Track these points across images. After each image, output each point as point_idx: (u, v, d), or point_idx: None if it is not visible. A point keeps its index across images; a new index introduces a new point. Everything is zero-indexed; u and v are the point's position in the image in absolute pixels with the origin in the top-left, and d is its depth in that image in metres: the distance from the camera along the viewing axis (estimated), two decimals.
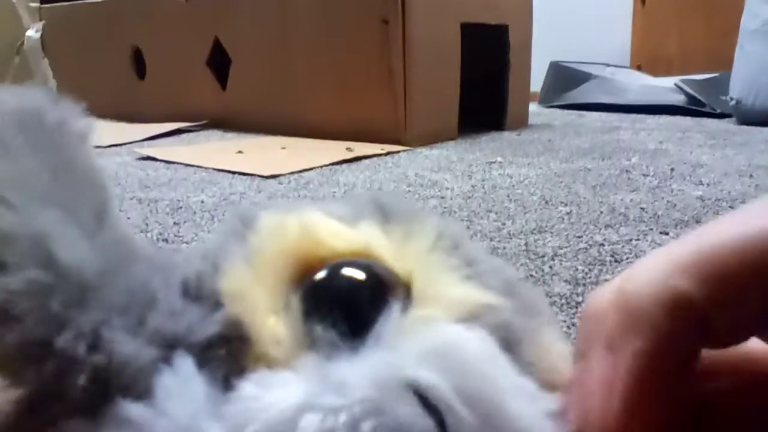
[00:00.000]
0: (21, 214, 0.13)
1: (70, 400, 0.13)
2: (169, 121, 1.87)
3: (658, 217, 0.82)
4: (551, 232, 0.76)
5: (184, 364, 0.13)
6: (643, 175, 1.09)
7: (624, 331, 0.13)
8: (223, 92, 1.92)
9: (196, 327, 0.14)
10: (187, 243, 0.73)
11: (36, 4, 2.42)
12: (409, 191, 1.01)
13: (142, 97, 2.12)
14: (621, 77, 2.46)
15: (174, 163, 1.28)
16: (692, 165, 1.17)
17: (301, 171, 1.17)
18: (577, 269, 0.62)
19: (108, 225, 0.15)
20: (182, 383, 0.13)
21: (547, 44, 2.45)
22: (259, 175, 1.13)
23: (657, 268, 0.13)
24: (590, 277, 0.60)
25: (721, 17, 2.82)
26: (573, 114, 2.24)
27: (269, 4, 1.73)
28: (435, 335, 0.14)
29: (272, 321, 0.14)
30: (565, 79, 2.53)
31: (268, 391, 0.13)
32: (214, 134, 1.79)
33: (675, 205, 0.88)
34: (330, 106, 1.65)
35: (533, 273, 0.62)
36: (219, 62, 1.90)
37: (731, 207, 0.86)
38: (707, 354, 0.14)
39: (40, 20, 2.42)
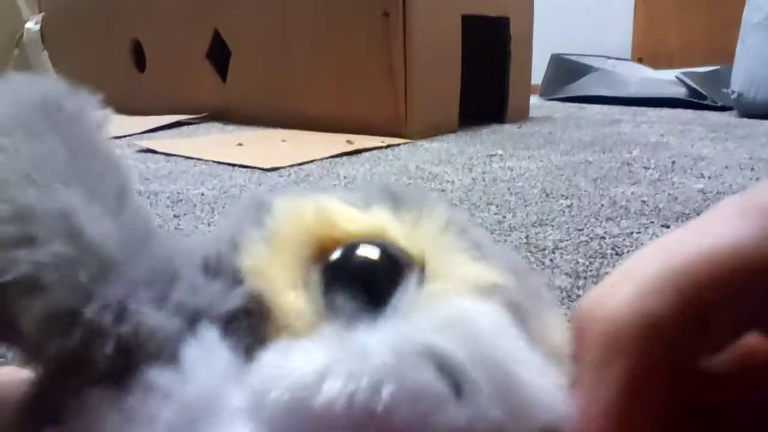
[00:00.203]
0: (46, 191, 0.13)
1: (96, 370, 0.13)
2: (169, 113, 1.87)
3: (660, 210, 0.81)
4: (552, 225, 0.75)
5: (208, 333, 0.14)
6: (644, 167, 1.09)
7: (604, 358, 0.13)
8: (223, 85, 1.91)
9: (219, 300, 0.15)
10: (187, 235, 0.73)
11: None
12: (410, 184, 1.01)
13: (142, 90, 2.11)
14: (622, 70, 2.45)
15: (174, 155, 1.28)
16: (693, 158, 1.17)
17: (301, 163, 1.17)
18: (578, 262, 0.62)
19: (129, 205, 0.15)
20: (207, 351, 0.14)
21: (548, 37, 2.44)
22: (260, 168, 1.13)
23: (627, 291, 0.13)
24: (591, 270, 0.60)
25: (723, 10, 2.81)
26: (574, 107, 2.24)
27: None
28: (450, 307, 0.14)
29: (292, 296, 0.15)
30: (566, 72, 2.53)
31: (290, 359, 0.13)
32: (214, 127, 1.79)
33: (676, 198, 0.87)
34: (330, 99, 1.64)
35: (534, 266, 0.62)
36: (219, 55, 1.90)
37: None
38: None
39: (40, 12, 2.42)
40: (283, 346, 0.14)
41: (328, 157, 1.23)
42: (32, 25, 2.43)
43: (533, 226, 0.75)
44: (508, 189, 0.95)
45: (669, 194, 0.89)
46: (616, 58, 2.63)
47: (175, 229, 0.76)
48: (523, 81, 1.87)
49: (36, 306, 0.13)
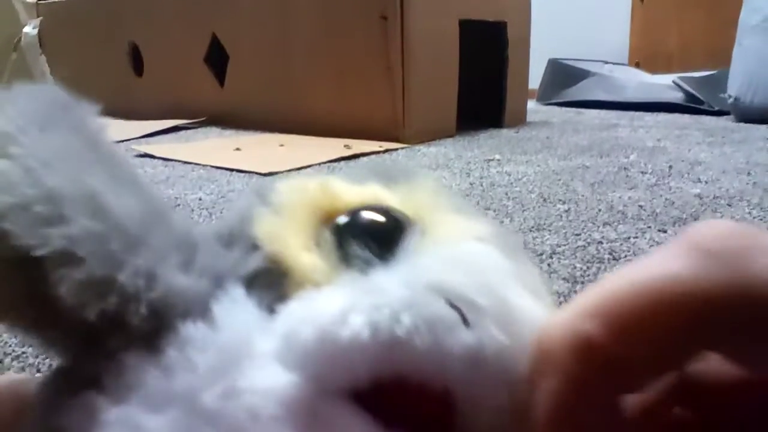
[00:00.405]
0: (69, 176, 0.14)
1: (131, 333, 0.14)
2: (166, 118, 1.87)
3: (657, 214, 0.82)
4: (549, 230, 0.75)
5: (234, 290, 0.15)
6: (642, 172, 1.09)
7: (540, 373, 0.14)
8: (221, 89, 1.91)
9: (240, 263, 0.16)
10: None
11: (33, 0, 2.42)
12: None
13: (139, 94, 2.11)
14: (619, 74, 2.46)
15: (172, 160, 1.28)
16: (690, 162, 1.17)
17: (299, 168, 1.17)
18: (575, 267, 0.62)
19: (144, 187, 0.17)
20: (235, 305, 0.15)
21: (546, 41, 2.45)
22: (257, 173, 1.13)
23: (568, 314, 0.14)
24: (588, 275, 0.60)
25: (721, 12, 2.81)
26: (571, 111, 2.24)
27: (268, 1, 1.72)
28: (451, 249, 0.16)
29: (307, 255, 0.16)
30: (563, 77, 2.53)
31: (314, 303, 0.14)
32: (212, 131, 1.79)
33: (673, 202, 0.88)
34: (328, 103, 1.65)
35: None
36: (217, 59, 1.90)
37: (729, 204, 0.86)
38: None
39: (38, 16, 2.42)
40: (305, 296, 0.15)
41: (325, 162, 1.23)
42: (30, 29, 2.43)
43: (531, 230, 0.75)
44: (506, 194, 0.95)
45: (666, 199, 0.90)
46: (614, 63, 2.64)
47: None
48: (521, 86, 1.87)
49: (74, 275, 0.13)
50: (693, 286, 0.12)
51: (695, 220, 0.80)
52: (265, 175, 1.12)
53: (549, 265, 0.63)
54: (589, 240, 0.71)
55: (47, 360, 0.45)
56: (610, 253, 0.66)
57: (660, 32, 3.15)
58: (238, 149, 1.41)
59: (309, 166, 1.19)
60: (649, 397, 0.17)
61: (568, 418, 0.13)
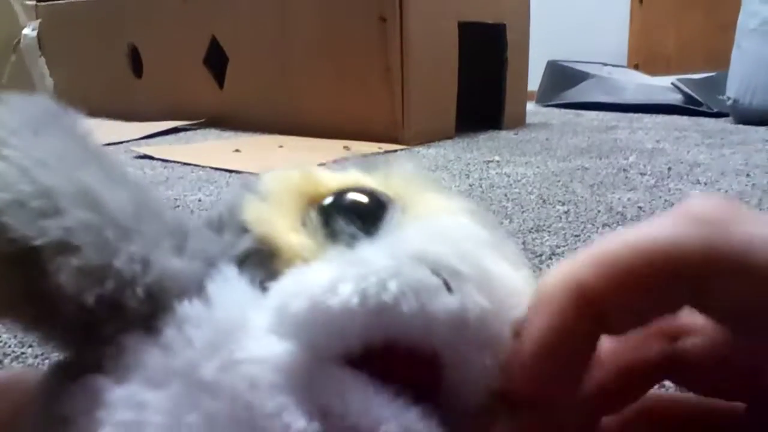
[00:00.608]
0: (63, 173, 0.15)
1: (128, 316, 0.15)
2: (166, 119, 1.87)
3: (656, 216, 0.82)
4: (549, 231, 0.76)
5: (227, 270, 0.16)
6: (641, 174, 1.09)
7: (534, 312, 0.15)
8: (221, 91, 1.91)
9: (231, 245, 0.17)
10: None
11: (32, 2, 2.42)
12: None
13: (138, 96, 2.11)
14: (618, 76, 2.46)
15: (171, 161, 1.28)
16: (689, 164, 1.17)
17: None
18: None
19: (135, 182, 0.17)
20: (228, 283, 0.15)
21: (545, 43, 2.45)
22: (257, 174, 1.13)
23: (566, 264, 0.15)
24: None
25: (719, 15, 2.82)
26: (570, 113, 2.24)
27: (267, 2, 1.72)
28: (432, 221, 0.17)
29: (294, 235, 0.17)
30: (562, 78, 2.53)
31: (304, 277, 0.15)
32: (212, 133, 1.79)
33: (672, 204, 0.88)
34: (327, 105, 1.65)
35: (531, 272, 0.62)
36: (216, 61, 1.90)
37: None
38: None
39: (37, 18, 2.42)
40: (295, 271, 0.15)
41: (324, 163, 1.23)
42: (29, 31, 2.43)
43: (530, 232, 0.75)
44: (505, 195, 0.95)
45: (665, 200, 0.90)
46: (613, 65, 2.64)
47: None
48: (520, 87, 1.87)
49: (72, 262, 0.14)
50: (674, 245, 0.14)
51: None
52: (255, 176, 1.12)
53: (548, 266, 0.63)
54: (588, 241, 0.71)
55: (47, 360, 0.45)
56: None
57: (658, 35, 3.15)
58: (237, 150, 1.41)
59: None
60: (623, 418, 0.18)
61: (553, 352, 0.14)
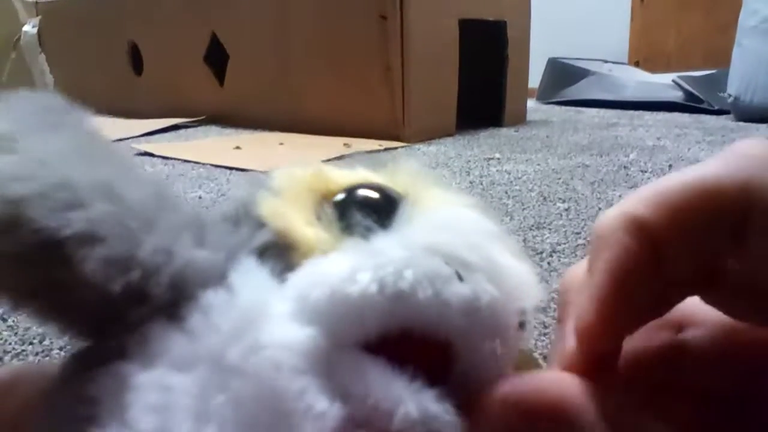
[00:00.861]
0: (82, 167, 0.15)
1: (152, 305, 0.15)
2: (166, 116, 1.87)
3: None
4: (549, 229, 0.75)
5: (248, 260, 0.16)
6: (641, 171, 1.09)
7: (595, 250, 0.16)
8: (221, 88, 1.91)
9: (249, 238, 0.17)
10: None
11: None
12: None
13: (139, 93, 2.11)
14: (619, 74, 2.46)
15: (171, 158, 1.28)
16: (690, 161, 1.17)
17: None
18: None
19: (149, 177, 0.17)
20: (249, 273, 0.16)
21: (546, 40, 2.45)
22: (257, 171, 1.13)
23: (621, 203, 0.16)
24: None
25: (720, 13, 2.82)
26: (571, 110, 2.24)
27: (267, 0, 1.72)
28: (441, 215, 0.18)
29: (310, 229, 0.17)
30: (563, 76, 2.53)
31: (323, 267, 0.15)
32: (212, 130, 1.79)
33: None
34: (328, 102, 1.65)
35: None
36: (216, 58, 1.90)
37: None
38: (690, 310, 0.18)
39: (37, 15, 2.42)
40: (314, 262, 0.16)
41: (325, 161, 1.22)
42: (29, 28, 2.43)
43: (531, 229, 0.75)
44: (506, 192, 0.95)
45: None
46: (613, 62, 2.64)
47: None
48: (521, 85, 1.87)
49: (97, 252, 0.14)
50: (716, 180, 0.15)
51: None
52: (265, 173, 1.12)
53: (549, 263, 0.63)
54: (589, 239, 0.71)
55: (47, 358, 0.45)
56: None
57: (659, 33, 3.15)
58: (237, 148, 1.41)
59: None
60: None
61: (621, 286, 0.15)
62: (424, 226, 0.17)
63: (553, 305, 0.52)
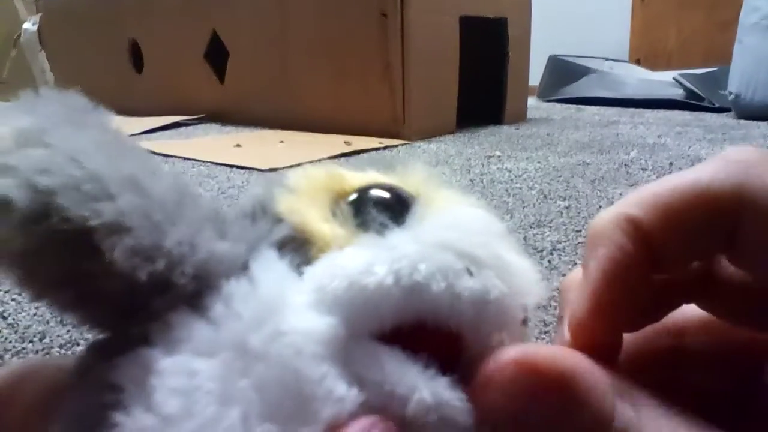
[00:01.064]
0: (107, 162, 0.16)
1: (177, 294, 0.15)
2: (166, 114, 1.87)
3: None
4: (550, 227, 0.75)
5: (268, 253, 0.17)
6: (642, 169, 1.09)
7: (589, 248, 0.16)
8: (221, 85, 1.91)
9: (268, 232, 0.18)
10: None
11: None
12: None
13: (139, 91, 2.11)
14: (620, 71, 2.45)
15: (172, 156, 1.28)
16: (691, 159, 1.17)
17: (299, 164, 1.16)
18: (576, 263, 0.62)
19: (168, 173, 0.18)
20: (270, 265, 0.17)
21: (546, 38, 2.45)
22: (257, 169, 1.13)
23: (616, 204, 0.16)
24: None
25: (720, 11, 2.81)
26: (572, 108, 2.24)
27: None
28: (451, 214, 0.18)
29: (327, 225, 0.18)
30: (563, 73, 2.53)
31: (341, 260, 0.16)
32: (212, 128, 1.79)
33: None
34: (328, 100, 1.64)
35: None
36: (217, 55, 1.90)
37: None
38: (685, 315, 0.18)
39: (37, 13, 2.41)
40: (331, 256, 0.17)
41: (325, 158, 1.23)
42: (30, 25, 2.43)
43: (531, 227, 0.75)
44: (506, 190, 0.95)
45: None
46: (614, 60, 2.63)
47: None
48: (521, 82, 1.87)
49: (125, 242, 0.15)
50: (710, 184, 0.15)
51: None
52: (265, 171, 1.12)
53: (549, 261, 0.63)
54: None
55: (47, 356, 0.45)
56: None
57: (659, 31, 3.14)
58: (238, 145, 1.41)
59: (309, 163, 1.18)
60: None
61: (614, 283, 0.16)
62: (435, 225, 0.17)
63: (553, 303, 0.52)
